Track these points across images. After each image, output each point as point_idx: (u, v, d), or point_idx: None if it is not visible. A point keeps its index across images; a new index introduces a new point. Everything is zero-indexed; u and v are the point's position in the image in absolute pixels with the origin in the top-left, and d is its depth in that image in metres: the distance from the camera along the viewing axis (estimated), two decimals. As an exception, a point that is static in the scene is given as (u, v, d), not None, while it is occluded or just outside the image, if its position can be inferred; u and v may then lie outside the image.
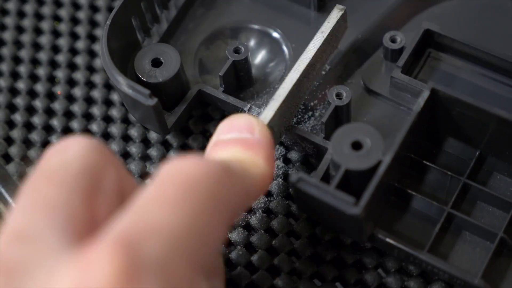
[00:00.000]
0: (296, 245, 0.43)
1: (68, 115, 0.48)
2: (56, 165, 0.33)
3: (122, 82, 0.42)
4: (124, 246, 0.29)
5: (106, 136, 0.47)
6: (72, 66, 0.50)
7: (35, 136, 0.47)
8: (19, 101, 0.49)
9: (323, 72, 0.46)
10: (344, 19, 0.45)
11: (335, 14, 0.44)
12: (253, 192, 0.36)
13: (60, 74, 0.49)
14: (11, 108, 0.49)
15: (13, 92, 0.49)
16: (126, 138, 0.47)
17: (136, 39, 0.47)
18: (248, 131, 0.37)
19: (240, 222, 0.43)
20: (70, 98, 0.49)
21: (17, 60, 0.50)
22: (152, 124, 0.44)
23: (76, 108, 0.48)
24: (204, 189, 0.32)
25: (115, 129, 0.47)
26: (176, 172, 0.32)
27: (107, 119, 0.48)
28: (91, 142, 0.34)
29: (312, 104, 0.45)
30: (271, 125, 0.40)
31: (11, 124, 0.48)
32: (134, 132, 0.47)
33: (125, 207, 0.32)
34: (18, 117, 0.48)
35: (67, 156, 0.33)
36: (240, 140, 0.37)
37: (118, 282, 0.29)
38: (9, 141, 0.48)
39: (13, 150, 0.47)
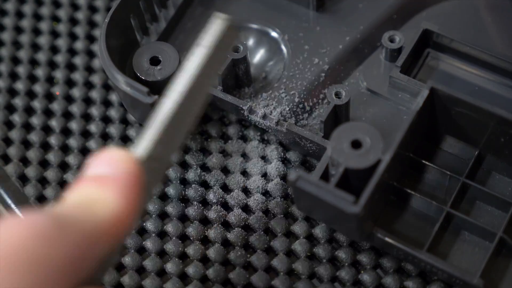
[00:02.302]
0: (294, 246, 0.43)
1: (67, 116, 0.48)
2: None
3: (120, 80, 0.42)
4: None
5: (104, 137, 0.47)
6: (71, 67, 0.50)
7: (33, 137, 0.47)
8: (18, 101, 0.48)
9: (313, 77, 0.46)
10: (230, 28, 0.37)
11: (217, 25, 0.36)
12: (101, 233, 0.33)
13: (59, 74, 0.49)
14: (10, 109, 0.49)
15: (12, 93, 0.49)
16: (125, 139, 0.47)
17: (134, 37, 0.47)
18: (109, 165, 0.34)
19: (238, 223, 0.43)
20: (69, 99, 0.48)
21: (15, 61, 0.50)
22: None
23: (75, 108, 0.48)
24: (29, 253, 0.30)
25: (114, 130, 0.47)
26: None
27: (106, 120, 0.48)
28: None
29: (311, 103, 0.45)
30: (150, 156, 0.35)
31: (9, 125, 0.48)
32: (132, 132, 0.47)
33: None
34: (16, 118, 0.48)
35: None
36: (98, 177, 0.34)
37: None
38: (8, 142, 0.48)
39: (12, 151, 0.47)
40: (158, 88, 0.43)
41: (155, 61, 0.44)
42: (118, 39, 0.45)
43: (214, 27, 0.36)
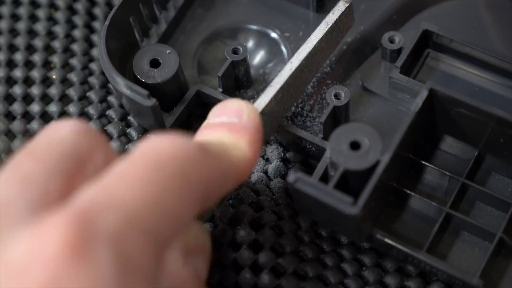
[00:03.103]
0: (293, 245, 0.43)
1: (67, 115, 0.48)
2: (43, 144, 0.33)
3: (120, 83, 0.42)
4: (81, 217, 0.30)
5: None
6: (70, 68, 0.50)
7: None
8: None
9: (319, 74, 0.46)
10: (350, 13, 0.44)
11: (340, 6, 0.44)
12: (231, 174, 0.36)
13: (58, 74, 0.49)
14: (9, 106, 0.49)
15: (10, 95, 0.49)
16: (125, 138, 0.47)
17: (134, 40, 0.47)
18: (237, 115, 0.38)
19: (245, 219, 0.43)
20: (67, 99, 0.48)
21: (11, 65, 0.50)
22: (150, 125, 0.44)
23: (74, 109, 0.48)
24: (174, 167, 0.32)
25: (112, 129, 0.47)
26: (148, 150, 0.33)
27: (105, 119, 0.48)
28: (81, 126, 0.34)
29: (310, 104, 0.45)
30: (266, 112, 0.40)
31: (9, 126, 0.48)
32: (132, 131, 0.47)
33: (94, 181, 0.32)
34: (16, 125, 0.48)
35: (55, 137, 0.33)
36: (227, 124, 0.38)
37: (67, 251, 0.29)
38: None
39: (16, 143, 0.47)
40: (158, 90, 0.43)
41: (155, 64, 0.44)
42: (118, 42, 0.45)
43: (337, 8, 0.43)
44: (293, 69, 0.42)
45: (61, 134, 0.33)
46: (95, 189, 0.31)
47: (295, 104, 0.45)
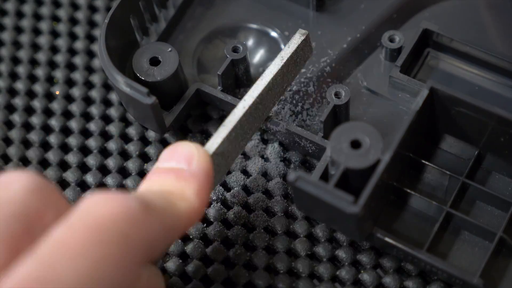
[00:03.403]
0: (293, 245, 0.43)
1: (67, 115, 0.48)
2: None
3: (120, 81, 0.42)
4: None
5: (104, 135, 0.47)
6: (70, 66, 0.50)
7: (33, 137, 0.47)
8: (18, 101, 0.49)
9: (323, 73, 0.46)
10: (307, 43, 0.43)
11: (296, 39, 0.43)
12: (176, 227, 0.35)
13: (59, 74, 0.49)
14: (10, 108, 0.49)
15: (12, 92, 0.49)
16: (124, 137, 0.47)
17: (134, 38, 0.47)
18: (186, 161, 0.37)
19: (238, 220, 0.43)
20: (69, 98, 0.49)
21: (15, 61, 0.50)
22: (150, 123, 0.44)
23: (75, 107, 0.48)
24: (114, 230, 0.31)
25: (113, 128, 0.47)
26: (87, 212, 0.32)
27: (105, 118, 0.48)
28: (34, 182, 0.32)
29: (310, 103, 0.45)
30: (218, 153, 0.39)
31: (9, 125, 0.48)
32: (132, 130, 0.47)
33: (32, 250, 0.30)
34: (16, 118, 0.48)
35: (4, 196, 0.32)
36: (175, 170, 0.36)
37: None
38: (8, 141, 0.48)
39: (12, 151, 0.47)
40: (157, 88, 0.43)
41: (154, 62, 0.44)
42: (117, 40, 0.45)
43: (293, 41, 0.42)
44: (247, 107, 0.40)
45: (11, 192, 0.32)
46: (33, 263, 0.30)
47: (296, 104, 0.45)
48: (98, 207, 0.32)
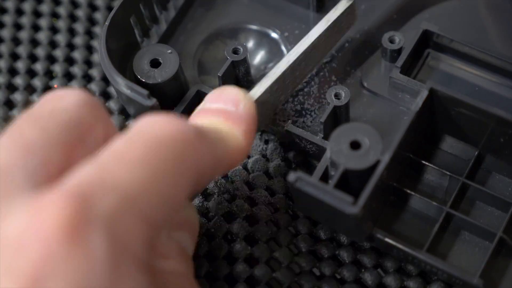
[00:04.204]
0: (293, 244, 0.43)
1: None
2: (45, 112, 0.33)
3: (120, 83, 0.42)
4: (78, 197, 0.30)
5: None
6: (69, 61, 0.50)
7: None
8: (17, 97, 0.49)
9: (323, 74, 0.46)
10: (352, 11, 0.45)
11: (343, 4, 0.44)
12: (224, 161, 0.37)
13: (58, 68, 0.49)
14: (9, 105, 0.49)
15: (11, 89, 0.49)
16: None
17: (135, 39, 0.47)
18: (233, 104, 0.38)
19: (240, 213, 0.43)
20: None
21: (15, 57, 0.51)
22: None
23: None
24: (172, 150, 0.33)
25: (114, 121, 0.47)
26: (147, 129, 0.33)
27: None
28: (85, 97, 0.34)
29: (310, 104, 0.45)
30: (260, 101, 0.40)
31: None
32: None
33: (92, 158, 0.32)
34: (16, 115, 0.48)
35: (59, 106, 0.33)
36: (223, 111, 0.38)
37: (61, 232, 0.29)
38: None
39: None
40: (158, 90, 0.43)
41: (155, 64, 0.44)
42: (118, 42, 0.45)
43: (340, 5, 0.44)
44: (291, 62, 0.42)
45: (64, 103, 0.33)
46: (93, 168, 0.31)
47: (296, 105, 0.45)
48: (157, 125, 0.33)
